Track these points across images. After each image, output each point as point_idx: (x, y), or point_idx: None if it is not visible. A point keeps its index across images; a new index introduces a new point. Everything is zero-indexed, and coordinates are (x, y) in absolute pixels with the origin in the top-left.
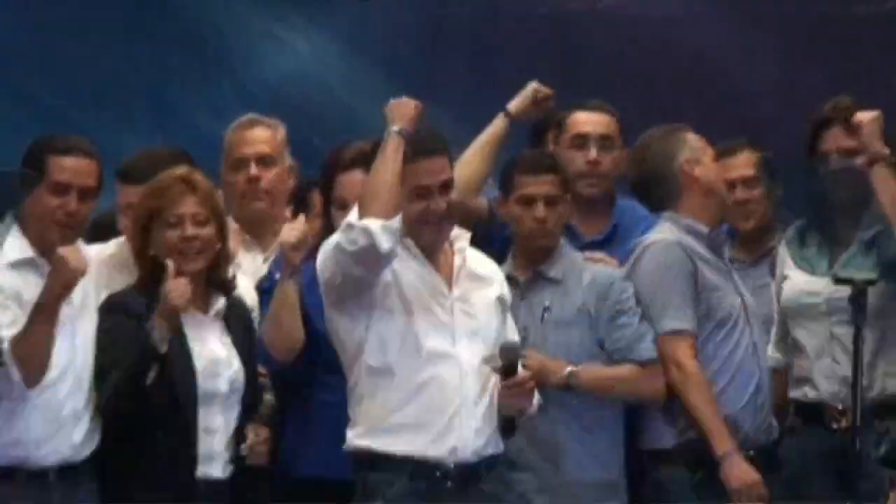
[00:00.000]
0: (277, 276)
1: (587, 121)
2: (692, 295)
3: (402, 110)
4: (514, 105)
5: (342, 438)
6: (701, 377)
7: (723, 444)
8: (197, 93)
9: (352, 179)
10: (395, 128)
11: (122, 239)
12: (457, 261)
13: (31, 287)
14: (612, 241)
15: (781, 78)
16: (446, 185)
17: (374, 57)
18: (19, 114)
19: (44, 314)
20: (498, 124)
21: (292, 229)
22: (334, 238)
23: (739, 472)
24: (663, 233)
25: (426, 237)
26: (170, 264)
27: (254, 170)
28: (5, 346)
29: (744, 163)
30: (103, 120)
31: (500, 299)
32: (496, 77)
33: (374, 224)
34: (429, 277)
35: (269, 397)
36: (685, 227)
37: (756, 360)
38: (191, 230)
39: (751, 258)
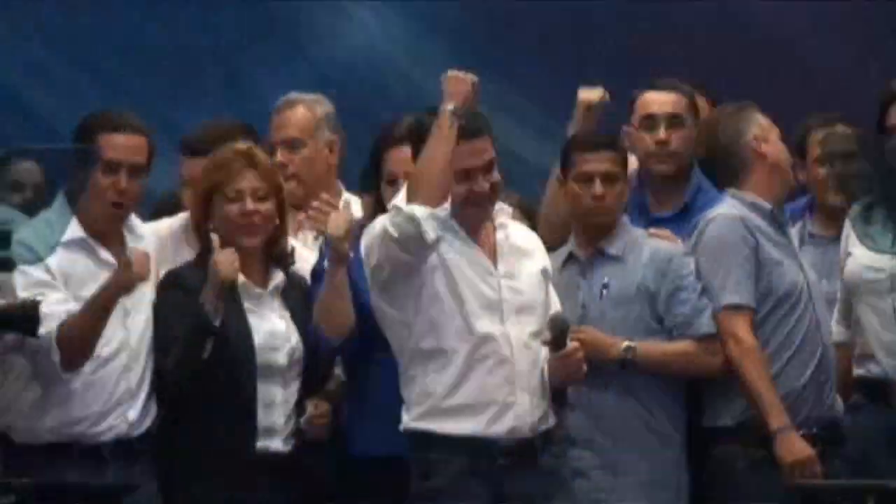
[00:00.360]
0: (328, 253)
1: (655, 100)
2: (752, 270)
3: (458, 87)
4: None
5: (398, 414)
6: (758, 352)
7: (777, 419)
8: (268, 67)
9: (401, 154)
10: (449, 107)
11: (186, 213)
12: (499, 236)
13: (79, 267)
14: (683, 219)
15: (857, 55)
16: (489, 166)
17: (443, 33)
18: (91, 88)
19: (96, 309)
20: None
21: (338, 220)
22: (381, 221)
23: (793, 447)
24: (726, 208)
25: (470, 218)
26: (215, 237)
27: (279, 156)
28: (52, 326)
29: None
30: (175, 94)
31: (544, 271)
32: (568, 54)
33: (420, 212)
34: (474, 256)
35: (338, 372)
36: (749, 204)
37: (819, 337)
38: (250, 205)
39: (835, 234)
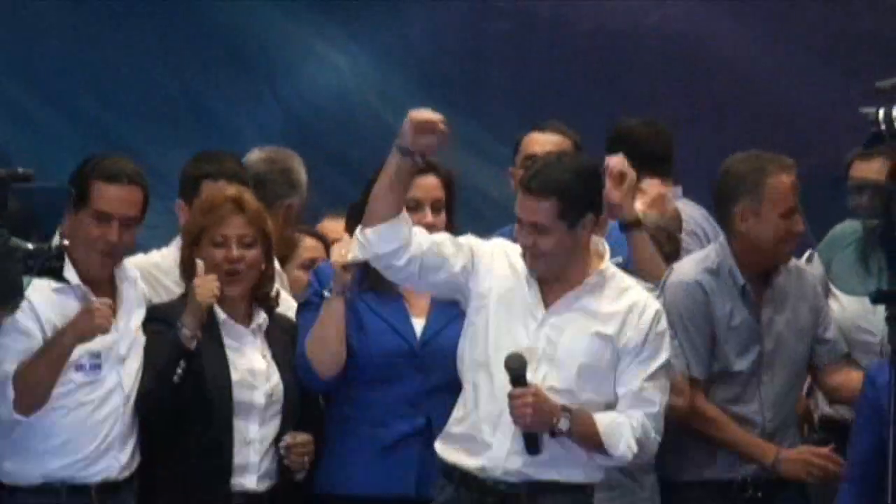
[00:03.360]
0: (316, 287)
1: (538, 141)
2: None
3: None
4: None
5: (364, 454)
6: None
7: (766, 453)
8: (240, 107)
9: (423, 182)
10: (398, 141)
11: (165, 249)
12: (573, 292)
13: (70, 312)
14: None
15: (822, 96)
16: (533, 227)
17: (413, 73)
18: (65, 127)
19: (54, 354)
20: None
21: (342, 249)
22: None
23: (800, 457)
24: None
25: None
26: (199, 263)
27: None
28: (10, 368)
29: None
30: (148, 133)
31: (605, 337)
32: (536, 94)
33: (362, 235)
34: (527, 300)
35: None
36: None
37: None
38: (235, 252)
39: None
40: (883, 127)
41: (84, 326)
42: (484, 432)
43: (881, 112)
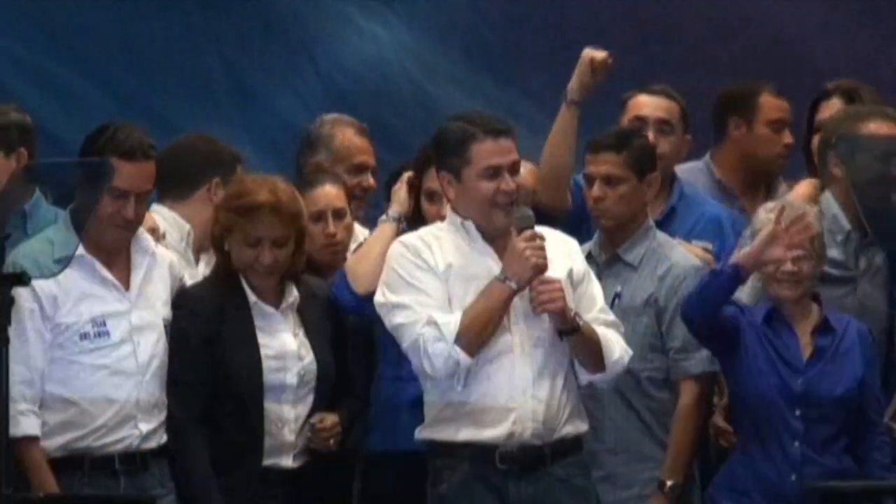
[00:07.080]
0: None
1: (647, 104)
2: None
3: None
4: (572, 89)
5: (400, 411)
6: None
7: None
8: (278, 77)
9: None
10: (512, 284)
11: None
12: None
13: (70, 284)
14: (669, 223)
15: (862, 56)
16: (515, 166)
17: (452, 42)
18: (102, 101)
19: None
20: (563, 115)
21: (401, 192)
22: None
23: None
24: None
25: (498, 220)
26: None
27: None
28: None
29: None
30: (185, 105)
31: (569, 274)
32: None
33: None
34: (485, 262)
35: None
36: None
37: None
38: (268, 257)
39: None
40: None
41: None
42: (499, 399)
43: None
